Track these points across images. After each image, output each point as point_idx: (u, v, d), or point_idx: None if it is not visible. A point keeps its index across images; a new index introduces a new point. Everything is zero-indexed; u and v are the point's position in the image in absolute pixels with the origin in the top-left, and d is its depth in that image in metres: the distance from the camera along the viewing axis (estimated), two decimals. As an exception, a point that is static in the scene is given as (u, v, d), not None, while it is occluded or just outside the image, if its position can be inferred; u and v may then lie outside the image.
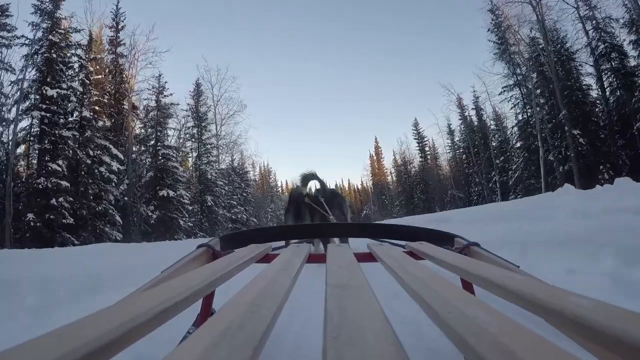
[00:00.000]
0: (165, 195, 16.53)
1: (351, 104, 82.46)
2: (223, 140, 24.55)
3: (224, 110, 24.90)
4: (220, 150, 24.19)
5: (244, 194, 28.38)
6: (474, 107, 30.41)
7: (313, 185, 4.16)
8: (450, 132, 38.13)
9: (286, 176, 71.14)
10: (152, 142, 18.05)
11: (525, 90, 21.55)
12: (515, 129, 23.35)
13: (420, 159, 40.15)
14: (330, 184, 5.19)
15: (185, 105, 22.03)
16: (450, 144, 37.97)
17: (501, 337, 0.24)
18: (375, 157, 53.10)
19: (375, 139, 53.32)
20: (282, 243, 1.38)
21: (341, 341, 0.24)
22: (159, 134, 18.27)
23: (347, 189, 67.32)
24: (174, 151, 18.01)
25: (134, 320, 0.30)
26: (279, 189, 50.44)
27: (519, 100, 22.29)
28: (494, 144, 27.98)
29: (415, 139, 41.43)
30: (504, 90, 22.78)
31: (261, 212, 37.30)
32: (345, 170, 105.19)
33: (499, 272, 0.48)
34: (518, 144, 24.88)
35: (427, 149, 40.69)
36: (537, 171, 20.56)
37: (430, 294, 0.37)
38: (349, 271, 0.52)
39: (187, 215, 17.93)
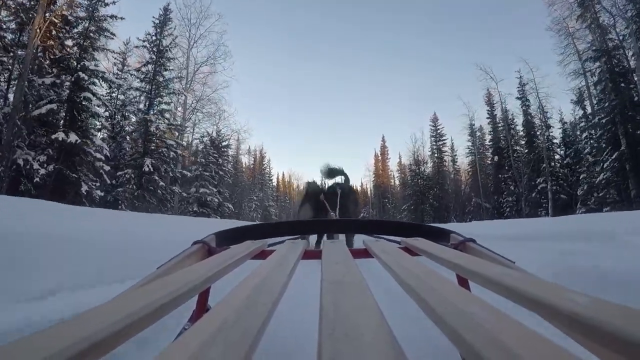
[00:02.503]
0: (63, 139, 9.92)
1: (356, 102, 76.11)
2: (194, 92, 17.88)
3: (202, 54, 18.26)
4: (191, 107, 17.61)
5: (220, 172, 21.77)
6: (519, 95, 24.01)
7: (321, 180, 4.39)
8: (472, 134, 31.91)
9: (282, 169, 64.61)
10: (73, 64, 11.48)
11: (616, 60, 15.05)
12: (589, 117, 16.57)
13: (436, 160, 33.79)
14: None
15: (142, 35, 15.35)
16: (471, 145, 31.72)
17: (497, 333, 0.23)
18: (380, 157, 46.73)
19: (383, 137, 46.93)
20: (278, 239, 1.21)
21: (337, 337, 0.23)
22: (83, 53, 11.72)
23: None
24: (98, 79, 11.39)
25: (130, 316, 0.29)
26: (272, 177, 43.82)
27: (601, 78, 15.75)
28: (544, 143, 21.55)
29: (433, 136, 35.03)
30: (592, 57, 16.01)
31: (245, 199, 30.65)
32: (346, 170, 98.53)
33: (494, 268, 0.47)
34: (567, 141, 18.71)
35: (445, 149, 34.41)
36: (621, 177, 14.17)
37: (426, 290, 0.36)
38: (344, 267, 0.51)
39: (107, 180, 11.33)
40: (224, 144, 23.43)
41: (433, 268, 0.47)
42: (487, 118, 29.86)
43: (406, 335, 1.15)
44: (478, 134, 30.68)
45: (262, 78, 71.53)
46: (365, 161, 66.48)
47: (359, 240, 2.35)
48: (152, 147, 13.41)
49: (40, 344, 0.24)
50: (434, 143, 34.38)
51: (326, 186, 3.95)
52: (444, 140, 34.42)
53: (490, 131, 29.08)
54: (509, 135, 24.55)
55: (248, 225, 1.24)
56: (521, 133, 24.22)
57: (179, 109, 17.38)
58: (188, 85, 17.42)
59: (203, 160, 21.28)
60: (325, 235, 3.03)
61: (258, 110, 65.88)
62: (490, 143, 27.77)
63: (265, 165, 42.17)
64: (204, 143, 22.71)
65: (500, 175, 24.61)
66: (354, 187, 3.98)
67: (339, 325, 0.25)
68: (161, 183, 12.81)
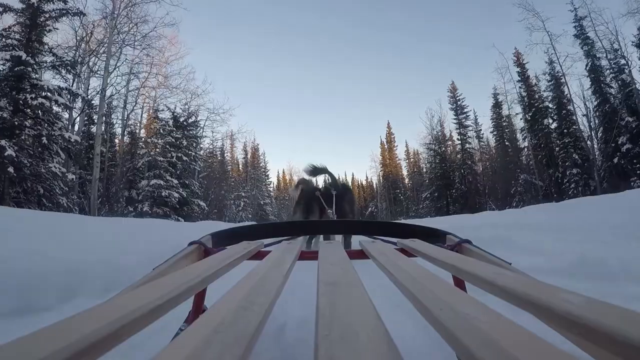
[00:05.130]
0: None
1: (355, 89, 69.72)
2: (119, 32, 11.68)
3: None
4: (119, 49, 11.46)
5: (185, 158, 15.63)
6: (577, 32, 17.68)
7: (319, 178, 4.16)
8: (497, 105, 25.77)
9: (282, 166, 58.39)
10: None
11: None
12: None
13: (460, 136, 27.51)
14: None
15: None
16: (493, 118, 25.51)
17: (492, 334, 0.23)
18: (386, 145, 40.57)
19: (388, 123, 40.77)
20: (274, 240, 1.19)
21: (333, 338, 0.23)
22: None
23: (350, 184, 54.33)
24: None
25: (126, 317, 0.29)
26: (269, 171, 37.61)
27: None
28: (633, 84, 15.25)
29: (453, 109, 28.71)
30: None
31: (231, 195, 24.45)
32: (350, 164, 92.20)
33: (490, 269, 0.47)
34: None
35: (468, 122, 28.07)
36: None
37: (422, 291, 0.36)
38: (340, 268, 0.51)
39: None
40: (191, 120, 17.28)
41: (429, 269, 0.46)
42: (519, 81, 23.74)
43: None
44: (506, 97, 24.46)
45: (255, 72, 65.61)
46: (370, 152, 60.17)
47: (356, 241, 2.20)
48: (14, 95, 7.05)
49: (35, 344, 0.23)
50: (455, 116, 28.13)
51: (320, 184, 3.87)
52: (466, 113, 28.18)
53: (524, 95, 22.97)
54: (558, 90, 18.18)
55: (244, 226, 1.21)
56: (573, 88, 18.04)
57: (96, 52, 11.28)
58: (114, 23, 11.31)
59: (159, 142, 15.25)
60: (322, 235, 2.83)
61: (253, 104, 60.03)
62: (534, 107, 21.45)
63: (259, 160, 36.10)
64: (161, 120, 16.60)
65: (559, 141, 18.26)
66: (349, 186, 3.86)
67: (335, 327, 0.25)
68: (9, 153, 6.27)
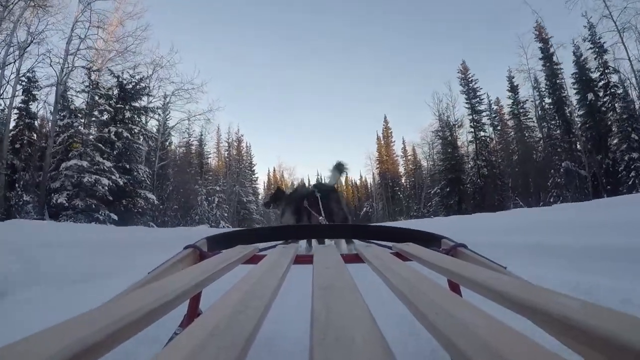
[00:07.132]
0: None
1: (350, 86, 65.81)
2: None
3: None
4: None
5: (128, 136, 11.35)
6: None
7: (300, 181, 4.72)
8: (512, 89, 22.21)
9: (273, 164, 54.12)
10: None
11: None
12: None
13: (472, 124, 23.79)
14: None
15: None
16: (509, 105, 21.93)
17: (488, 338, 0.23)
18: (383, 141, 36.86)
19: (385, 117, 37.09)
20: (270, 244, 1.24)
21: (328, 342, 0.23)
22: None
23: (343, 184, 50.30)
24: None
25: (122, 320, 0.29)
26: (254, 166, 33.37)
27: None
28: None
29: (464, 92, 24.96)
30: None
31: (204, 190, 20.14)
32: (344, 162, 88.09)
33: (485, 273, 0.47)
34: None
35: (482, 107, 24.38)
36: None
37: (417, 295, 0.36)
38: (336, 272, 0.51)
39: None
40: (139, 87, 13.00)
41: (424, 273, 0.46)
42: (541, 59, 20.22)
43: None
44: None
45: (244, 69, 61.37)
46: (366, 149, 56.20)
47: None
48: None
49: (30, 348, 0.23)
50: (467, 100, 24.37)
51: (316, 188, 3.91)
52: (480, 96, 24.42)
53: (547, 75, 19.58)
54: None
55: (240, 230, 1.22)
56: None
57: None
58: None
59: (95, 113, 10.97)
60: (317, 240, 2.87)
61: (241, 101, 55.83)
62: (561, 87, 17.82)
63: (243, 153, 31.88)
64: (95, 83, 12.23)
65: (613, 117, 14.49)
66: (335, 186, 3.82)
67: (331, 331, 0.25)
68: None
